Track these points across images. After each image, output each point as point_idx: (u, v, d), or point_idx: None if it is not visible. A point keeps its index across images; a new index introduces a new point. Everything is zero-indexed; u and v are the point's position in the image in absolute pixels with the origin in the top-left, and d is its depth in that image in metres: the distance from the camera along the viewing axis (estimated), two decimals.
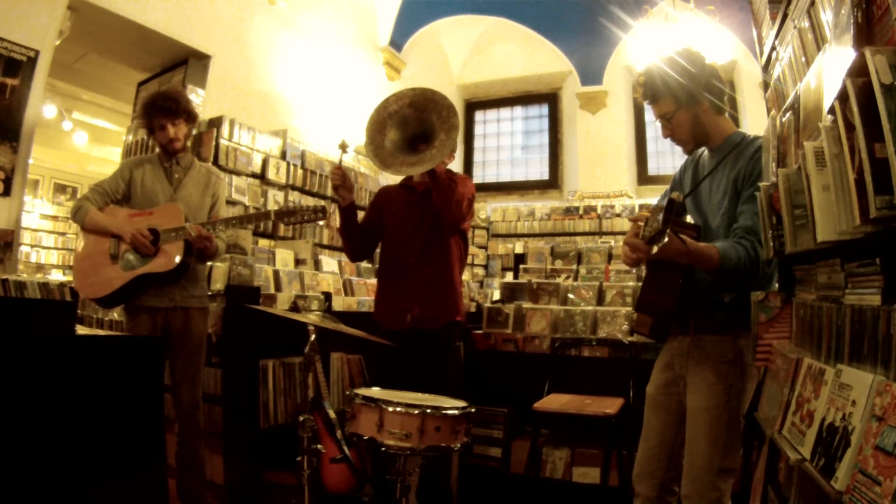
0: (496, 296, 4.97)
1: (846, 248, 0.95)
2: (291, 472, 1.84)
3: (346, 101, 5.99)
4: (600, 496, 2.67)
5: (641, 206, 6.90)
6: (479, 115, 8.87)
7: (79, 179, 10.11)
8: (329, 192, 5.04)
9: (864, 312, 0.87)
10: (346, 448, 2.03)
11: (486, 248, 7.72)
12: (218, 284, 3.00)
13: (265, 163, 4.61)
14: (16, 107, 3.36)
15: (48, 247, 9.31)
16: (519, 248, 7.25)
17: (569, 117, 8.15)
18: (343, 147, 2.21)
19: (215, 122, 4.29)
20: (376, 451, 1.60)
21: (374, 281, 3.97)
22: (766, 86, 1.70)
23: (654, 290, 1.69)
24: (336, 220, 4.95)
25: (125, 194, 2.44)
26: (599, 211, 7.28)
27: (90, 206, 2.35)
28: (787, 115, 1.21)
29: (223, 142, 4.27)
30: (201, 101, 4.46)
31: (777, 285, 1.49)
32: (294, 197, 4.89)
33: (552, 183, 8.20)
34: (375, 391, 1.84)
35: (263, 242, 4.32)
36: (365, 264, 4.25)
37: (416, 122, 2.13)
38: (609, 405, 2.52)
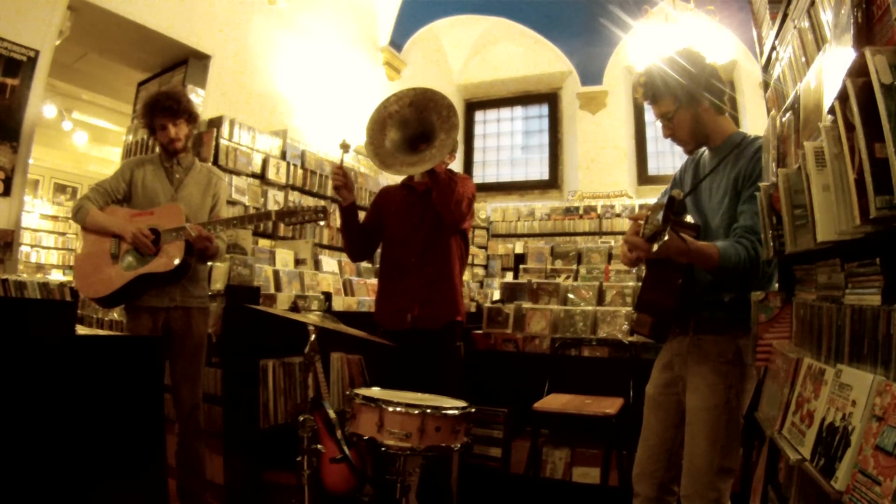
0: (496, 296, 4.98)
1: (846, 248, 0.95)
2: (291, 472, 1.84)
3: (346, 101, 5.98)
4: (600, 496, 2.68)
5: (641, 206, 6.87)
6: (479, 115, 8.86)
7: (79, 179, 10.10)
8: (329, 192, 5.04)
9: (864, 312, 0.87)
10: (346, 448, 2.03)
11: (486, 248, 7.71)
12: (218, 284, 3.00)
13: (265, 163, 4.61)
14: (16, 107, 3.36)
15: (48, 247, 9.31)
16: (519, 248, 7.24)
17: (569, 117, 8.14)
18: (345, 147, 2.21)
19: (215, 122, 4.29)
20: (376, 451, 1.59)
21: (374, 281, 3.97)
22: (766, 86, 1.70)
23: (654, 290, 1.69)
24: (336, 221, 4.96)
25: (126, 194, 2.45)
26: (599, 211, 7.27)
27: (91, 205, 2.36)
28: (787, 115, 1.21)
29: (223, 142, 4.26)
30: (201, 101, 4.46)
31: (777, 285, 1.49)
32: (294, 197, 4.88)
33: (552, 183, 8.19)
34: (375, 391, 1.83)
35: (263, 242, 4.31)
36: (365, 264, 4.24)
37: (416, 122, 2.13)
38: (609, 405, 2.52)
